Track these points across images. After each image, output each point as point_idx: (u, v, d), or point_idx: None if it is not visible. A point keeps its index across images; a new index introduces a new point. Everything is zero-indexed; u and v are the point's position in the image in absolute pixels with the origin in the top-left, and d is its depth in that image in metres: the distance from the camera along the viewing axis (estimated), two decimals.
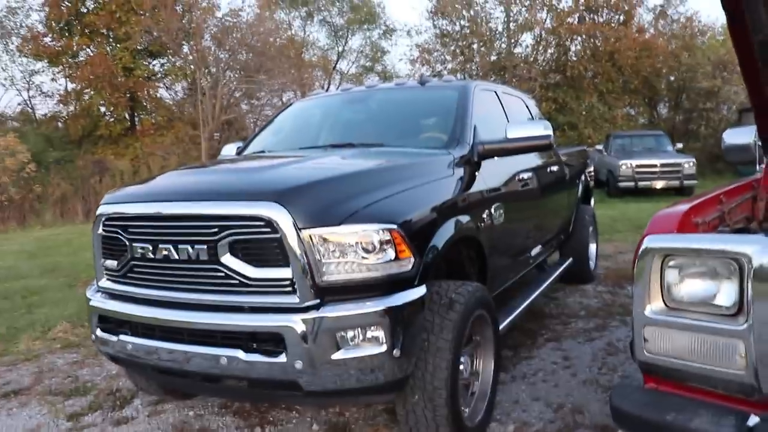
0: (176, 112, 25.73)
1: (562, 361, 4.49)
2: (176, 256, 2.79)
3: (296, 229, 2.58)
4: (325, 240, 2.63)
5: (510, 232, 4.22)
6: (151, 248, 2.87)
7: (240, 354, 2.68)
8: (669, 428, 1.66)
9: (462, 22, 25.42)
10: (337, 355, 2.61)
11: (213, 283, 2.75)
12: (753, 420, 1.54)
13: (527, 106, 5.75)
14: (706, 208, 2.08)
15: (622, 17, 24.64)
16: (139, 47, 24.30)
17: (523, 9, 24.64)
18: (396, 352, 2.66)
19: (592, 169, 7.54)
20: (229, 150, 4.95)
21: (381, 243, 2.68)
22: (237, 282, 2.70)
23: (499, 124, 4.41)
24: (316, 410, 3.76)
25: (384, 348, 2.64)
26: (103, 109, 24.40)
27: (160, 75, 26.69)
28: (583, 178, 6.88)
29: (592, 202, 7.42)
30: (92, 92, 23.73)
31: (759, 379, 1.60)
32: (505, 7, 24.70)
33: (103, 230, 3.14)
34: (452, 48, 25.65)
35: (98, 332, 3.20)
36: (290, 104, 5.36)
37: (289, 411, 3.78)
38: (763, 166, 2.40)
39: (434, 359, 2.87)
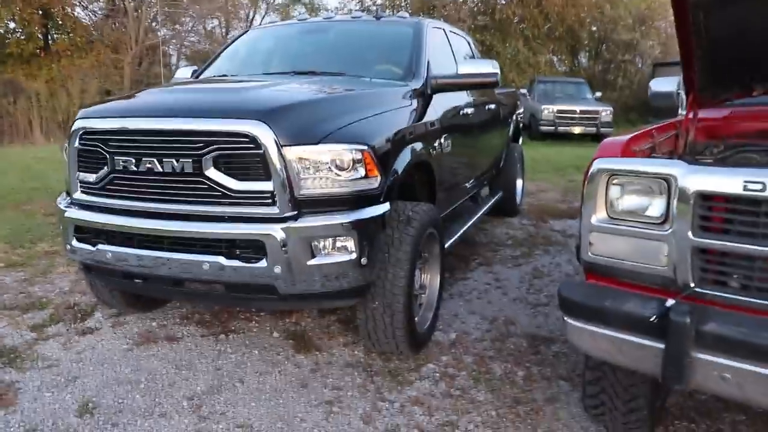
0: (95, 34, 24.43)
1: (494, 282, 4.97)
2: (160, 169, 2.97)
3: (278, 146, 2.82)
4: (303, 157, 2.89)
5: (455, 161, 4.58)
6: (134, 161, 3.02)
7: (221, 260, 2.93)
8: (606, 311, 2.11)
9: None
10: (312, 261, 2.92)
11: (196, 195, 2.96)
12: (670, 302, 1.99)
13: (470, 46, 6.06)
14: (642, 140, 2.52)
15: None
16: None
17: None
18: (363, 260, 3.00)
19: (522, 110, 7.97)
20: (185, 73, 5.02)
21: (353, 162, 2.96)
22: (220, 194, 2.92)
23: (447, 61, 4.71)
24: (275, 319, 4.07)
25: (353, 256, 2.97)
26: (12, 25, 22.85)
27: None
28: (514, 117, 7.31)
29: (521, 141, 7.90)
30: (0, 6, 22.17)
31: (676, 273, 2.05)
32: None
33: (80, 144, 3.25)
34: None
35: (74, 242, 3.34)
36: (246, 31, 5.44)
37: (248, 321, 4.06)
38: (685, 111, 2.87)
39: (394, 269, 3.22)
